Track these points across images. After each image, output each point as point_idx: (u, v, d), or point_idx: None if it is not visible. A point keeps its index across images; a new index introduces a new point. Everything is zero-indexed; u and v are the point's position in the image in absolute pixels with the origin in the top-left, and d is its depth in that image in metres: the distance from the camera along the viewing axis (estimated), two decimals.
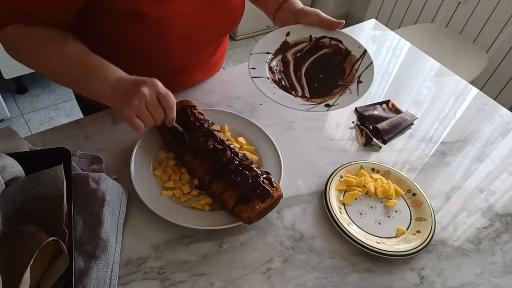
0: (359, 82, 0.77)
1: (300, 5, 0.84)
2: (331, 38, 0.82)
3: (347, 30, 1.18)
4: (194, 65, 0.87)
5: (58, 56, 0.66)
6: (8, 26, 0.66)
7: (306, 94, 0.77)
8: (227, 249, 0.66)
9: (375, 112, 0.93)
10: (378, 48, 1.14)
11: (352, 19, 2.92)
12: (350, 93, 0.76)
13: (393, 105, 0.96)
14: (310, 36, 0.82)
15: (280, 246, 0.67)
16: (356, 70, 0.79)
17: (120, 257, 0.62)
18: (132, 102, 0.60)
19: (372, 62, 0.79)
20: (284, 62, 0.81)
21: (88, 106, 0.96)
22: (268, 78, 0.76)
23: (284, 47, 0.82)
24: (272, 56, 0.80)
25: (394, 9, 2.47)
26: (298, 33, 0.82)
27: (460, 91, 1.03)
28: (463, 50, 1.89)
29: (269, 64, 0.79)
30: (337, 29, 0.82)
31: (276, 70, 0.80)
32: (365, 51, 0.80)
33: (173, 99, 0.65)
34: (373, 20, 1.24)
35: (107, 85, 0.64)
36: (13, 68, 1.94)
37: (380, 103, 0.96)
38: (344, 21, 0.81)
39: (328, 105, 0.74)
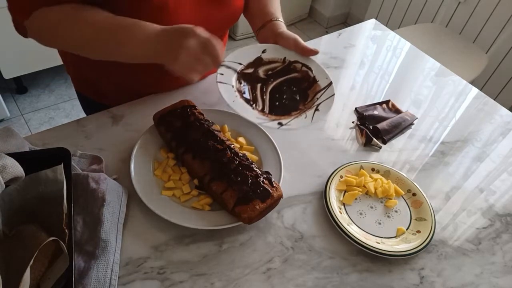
0: (316, 110, 0.79)
1: (282, 28, 0.86)
2: (303, 64, 0.85)
3: (347, 30, 1.18)
4: None
5: (95, 23, 0.67)
6: (35, 11, 0.67)
7: (265, 110, 0.79)
8: (227, 249, 0.66)
9: (375, 112, 0.93)
10: (378, 48, 1.14)
11: (352, 19, 2.92)
12: (305, 117, 0.78)
13: (393, 105, 0.96)
14: (285, 58, 0.85)
15: (280, 246, 0.67)
16: (318, 99, 0.81)
17: (120, 257, 0.62)
18: (180, 58, 0.63)
19: (334, 95, 0.81)
20: (255, 76, 0.83)
21: (88, 101, 0.96)
22: (232, 86, 0.78)
23: (257, 62, 0.84)
24: (243, 67, 0.82)
25: (394, 9, 2.47)
26: (274, 52, 0.84)
27: (460, 91, 1.03)
28: (463, 50, 1.89)
29: (238, 73, 0.81)
30: (311, 57, 0.85)
31: (243, 81, 0.81)
32: (330, 83, 0.82)
33: (219, 44, 0.67)
34: (373, 20, 1.24)
35: (148, 40, 0.65)
36: (13, 68, 1.94)
37: (380, 103, 0.96)
38: (318, 51, 0.84)
39: (280, 124, 0.75)
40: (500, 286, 0.66)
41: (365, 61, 1.09)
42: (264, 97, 0.80)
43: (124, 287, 0.60)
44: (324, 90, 0.81)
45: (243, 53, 0.82)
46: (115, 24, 0.66)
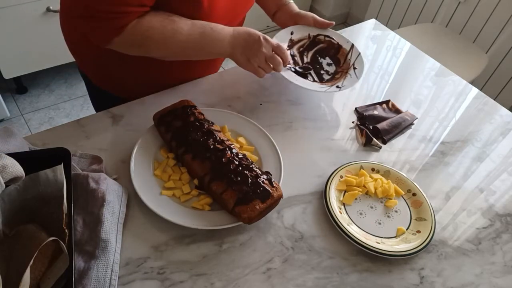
0: (355, 68, 0.96)
1: (296, 9, 1.01)
2: (325, 36, 1.01)
3: (347, 30, 1.18)
4: None
5: (182, 30, 0.75)
6: (128, 25, 0.71)
7: (316, 80, 0.94)
8: (227, 249, 0.66)
9: (375, 112, 0.93)
10: (378, 48, 1.14)
11: (352, 19, 2.92)
12: (351, 77, 0.94)
13: (393, 105, 0.96)
14: (309, 34, 1.00)
15: (280, 246, 0.67)
16: (350, 59, 0.98)
17: (120, 257, 0.62)
18: (257, 57, 0.80)
19: (360, 53, 0.98)
20: (292, 55, 0.96)
21: (107, 96, 0.96)
22: (287, 68, 0.90)
23: (291, 44, 0.98)
24: None
25: (394, 9, 2.47)
26: (299, 32, 0.99)
27: (460, 91, 1.03)
28: (463, 50, 1.89)
29: None
30: (329, 29, 1.01)
31: (289, 62, 0.93)
32: (352, 45, 0.99)
33: (284, 49, 0.85)
34: (373, 20, 1.24)
35: (226, 41, 0.79)
36: (13, 68, 1.94)
37: (380, 103, 0.96)
38: (334, 22, 1.00)
39: (338, 87, 0.91)
40: (500, 286, 0.66)
41: (365, 61, 1.08)
42: (310, 71, 0.95)
43: (124, 287, 0.60)
44: (351, 52, 0.99)
45: (278, 39, 0.96)
46: (201, 32, 0.77)
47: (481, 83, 2.19)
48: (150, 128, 0.78)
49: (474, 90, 1.03)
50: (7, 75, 1.94)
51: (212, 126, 0.75)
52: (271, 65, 0.83)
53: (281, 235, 0.69)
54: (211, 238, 0.66)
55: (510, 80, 2.07)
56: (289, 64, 0.93)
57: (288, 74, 0.89)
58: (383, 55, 1.12)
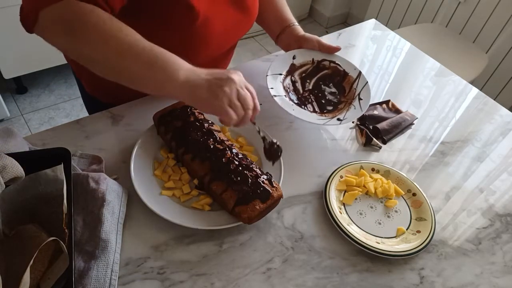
0: (360, 99, 0.88)
1: (301, 31, 0.94)
2: (330, 61, 0.94)
3: (347, 30, 1.18)
4: (218, 58, 0.91)
5: (132, 33, 0.60)
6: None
7: (316, 110, 0.87)
8: (227, 249, 0.66)
9: (375, 112, 0.93)
10: (378, 48, 1.14)
11: (352, 19, 2.92)
12: (355, 108, 0.87)
13: (393, 105, 0.96)
14: (313, 59, 0.93)
15: (280, 246, 0.67)
16: (355, 89, 0.91)
17: (120, 257, 0.62)
18: (228, 87, 0.58)
19: (367, 82, 0.90)
20: (292, 81, 0.91)
21: (102, 105, 0.95)
22: (285, 96, 0.85)
23: (292, 69, 0.92)
24: (284, 77, 0.90)
25: (394, 9, 2.47)
26: (302, 56, 0.92)
27: (460, 91, 1.03)
28: (463, 50, 1.89)
29: (282, 84, 0.88)
30: (335, 54, 0.94)
31: (289, 89, 0.89)
32: (360, 72, 0.92)
33: (253, 90, 0.65)
34: (373, 20, 1.24)
35: (185, 65, 0.60)
36: (13, 68, 1.94)
37: (380, 103, 0.96)
38: (340, 47, 0.93)
39: (339, 119, 0.84)
40: (500, 286, 0.66)
41: (365, 61, 1.09)
42: (310, 99, 0.89)
43: (124, 287, 0.60)
44: (357, 80, 0.91)
45: (278, 63, 0.90)
46: (155, 46, 0.60)
47: (481, 83, 2.19)
48: (150, 128, 0.78)
49: (474, 90, 1.03)
50: (7, 75, 1.94)
51: (212, 126, 0.75)
52: (243, 106, 0.63)
53: (281, 235, 0.69)
54: (211, 238, 0.66)
55: (510, 80, 2.07)
56: (289, 91, 0.87)
57: (284, 103, 0.82)
58: (383, 55, 1.12)
